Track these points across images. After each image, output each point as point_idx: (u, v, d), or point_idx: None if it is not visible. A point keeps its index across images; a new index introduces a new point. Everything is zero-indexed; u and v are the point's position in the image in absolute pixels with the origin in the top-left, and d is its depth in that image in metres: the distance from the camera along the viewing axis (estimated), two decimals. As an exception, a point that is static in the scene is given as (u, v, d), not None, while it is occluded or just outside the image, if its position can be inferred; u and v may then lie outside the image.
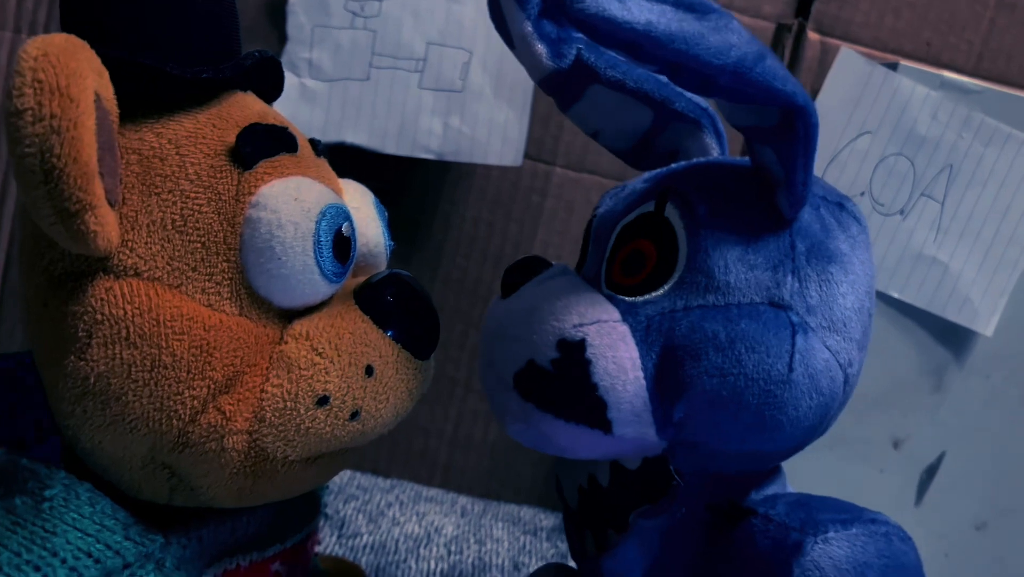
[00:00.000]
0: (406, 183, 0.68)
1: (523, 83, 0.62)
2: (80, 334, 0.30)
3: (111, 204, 0.29)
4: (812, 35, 0.65)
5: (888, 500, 0.68)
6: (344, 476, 0.70)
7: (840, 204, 0.35)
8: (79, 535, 0.30)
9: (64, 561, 0.29)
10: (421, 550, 0.63)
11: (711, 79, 0.29)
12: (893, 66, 0.62)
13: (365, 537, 0.63)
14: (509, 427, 0.34)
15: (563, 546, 0.67)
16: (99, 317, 0.30)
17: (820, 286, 0.32)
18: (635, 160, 0.41)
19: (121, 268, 0.30)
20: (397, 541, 0.63)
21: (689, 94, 0.39)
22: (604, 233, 0.36)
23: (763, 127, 0.31)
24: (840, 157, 0.60)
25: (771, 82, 0.29)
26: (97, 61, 0.28)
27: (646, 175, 0.37)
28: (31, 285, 0.32)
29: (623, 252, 0.34)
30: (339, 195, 0.35)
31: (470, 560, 0.63)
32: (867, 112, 0.60)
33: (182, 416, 0.31)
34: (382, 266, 0.39)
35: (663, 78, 0.38)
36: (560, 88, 0.37)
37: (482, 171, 0.68)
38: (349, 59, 0.61)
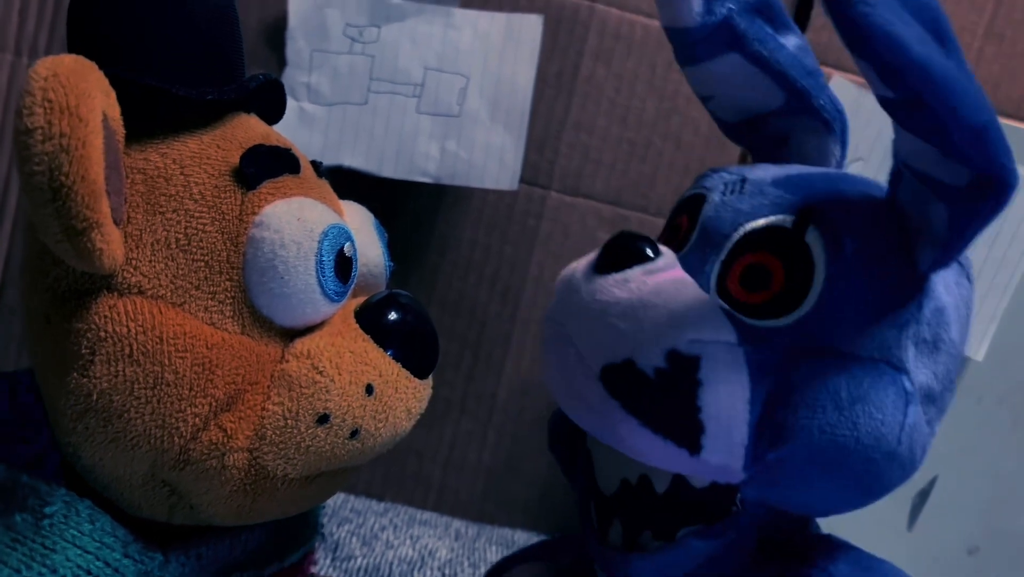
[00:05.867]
0: (403, 206, 0.68)
1: (519, 108, 0.63)
2: (83, 351, 0.30)
3: (116, 223, 0.29)
4: (804, 63, 0.66)
5: (880, 525, 0.68)
6: (338, 499, 0.70)
7: (959, 262, 0.33)
8: (79, 552, 0.30)
9: (64, 578, 0.30)
10: (415, 573, 0.62)
11: (948, 131, 0.26)
12: (883, 94, 0.63)
13: (359, 560, 0.62)
14: (576, 412, 0.32)
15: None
16: (102, 334, 0.30)
17: (931, 355, 0.30)
18: (735, 134, 0.39)
19: (125, 286, 0.30)
20: (391, 564, 0.63)
21: (831, 92, 0.36)
22: (720, 230, 0.32)
23: (945, 183, 0.28)
24: (832, 183, 0.61)
25: (998, 152, 0.26)
26: (105, 82, 0.29)
27: (774, 174, 0.34)
28: (35, 302, 0.32)
29: (742, 261, 0.31)
30: (341, 215, 0.36)
31: (464, 583, 0.62)
32: (859, 139, 0.61)
33: (183, 433, 0.31)
34: (382, 286, 0.39)
35: (810, 66, 0.36)
36: (691, 43, 0.35)
37: (478, 195, 0.68)
38: (347, 84, 0.62)
